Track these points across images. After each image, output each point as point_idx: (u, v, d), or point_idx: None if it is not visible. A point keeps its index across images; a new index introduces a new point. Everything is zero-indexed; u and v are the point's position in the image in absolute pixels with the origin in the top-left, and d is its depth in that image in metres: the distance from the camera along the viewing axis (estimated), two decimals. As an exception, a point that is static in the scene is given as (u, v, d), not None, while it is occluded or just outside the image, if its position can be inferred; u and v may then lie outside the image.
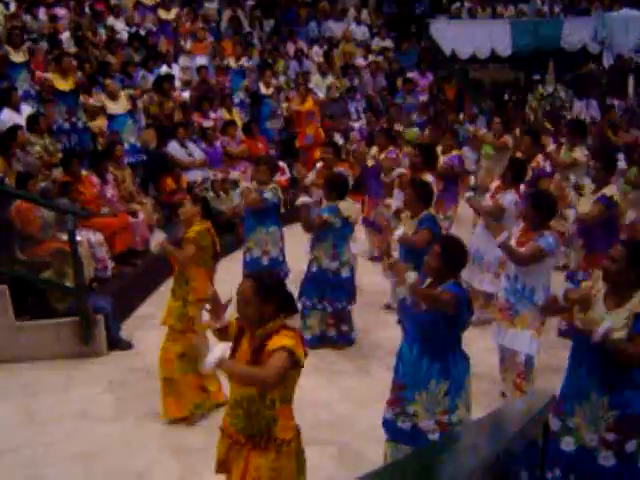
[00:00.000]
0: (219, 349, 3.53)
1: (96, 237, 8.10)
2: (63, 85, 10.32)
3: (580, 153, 8.59)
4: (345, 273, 7.23)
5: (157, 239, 5.64)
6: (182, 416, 5.96)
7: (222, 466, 3.97)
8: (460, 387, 4.65)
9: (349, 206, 7.14)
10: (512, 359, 6.02)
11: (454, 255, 4.68)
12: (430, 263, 4.65)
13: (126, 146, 10.51)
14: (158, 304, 6.15)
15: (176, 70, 13.04)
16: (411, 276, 4.62)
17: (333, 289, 7.23)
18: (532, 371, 6.00)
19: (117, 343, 7.39)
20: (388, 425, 4.80)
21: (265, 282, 3.78)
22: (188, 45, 14.16)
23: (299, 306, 6.81)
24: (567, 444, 4.32)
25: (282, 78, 14.31)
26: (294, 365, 3.65)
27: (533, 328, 5.81)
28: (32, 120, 9.34)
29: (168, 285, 6.14)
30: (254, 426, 3.76)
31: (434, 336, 4.60)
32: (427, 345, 4.62)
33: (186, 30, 14.56)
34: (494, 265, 7.27)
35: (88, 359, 7.16)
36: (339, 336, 7.41)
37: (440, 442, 2.29)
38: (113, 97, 10.69)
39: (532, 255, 5.69)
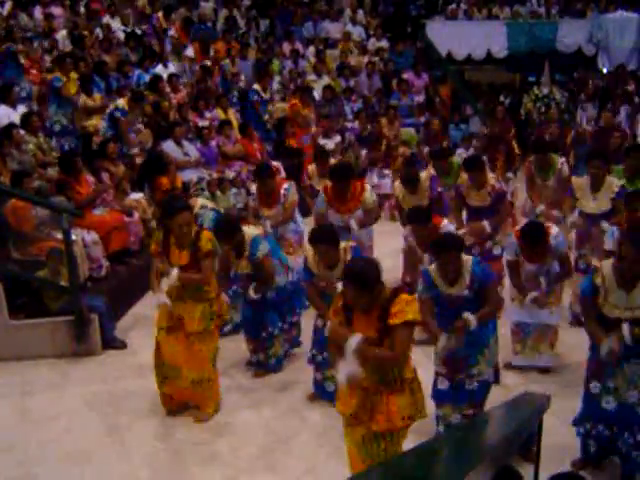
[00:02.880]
0: (357, 338, 3.96)
1: (91, 236, 8.07)
2: (73, 89, 10.37)
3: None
4: (292, 277, 6.78)
5: (158, 299, 5.73)
6: (209, 414, 6.01)
7: (354, 418, 4.34)
8: None
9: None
10: (544, 333, 6.54)
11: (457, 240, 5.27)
12: (452, 267, 5.04)
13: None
14: (153, 304, 6.12)
15: (172, 70, 13.02)
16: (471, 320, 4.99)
17: (289, 303, 6.78)
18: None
19: (111, 342, 7.39)
20: (448, 394, 5.19)
21: (359, 279, 4.06)
22: (188, 48, 14.15)
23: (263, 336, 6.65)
24: (607, 402, 4.83)
25: (277, 78, 14.31)
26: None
27: (558, 302, 6.57)
28: (25, 119, 9.33)
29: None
30: (389, 375, 4.19)
31: (482, 305, 5.10)
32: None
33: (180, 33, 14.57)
34: None
35: (82, 358, 7.16)
36: (290, 344, 7.04)
37: (436, 441, 2.30)
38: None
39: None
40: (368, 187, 7.76)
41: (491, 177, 7.68)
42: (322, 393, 6.17)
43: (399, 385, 4.20)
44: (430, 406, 4.97)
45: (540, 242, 6.05)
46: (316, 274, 5.90)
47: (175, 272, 5.64)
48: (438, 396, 5.27)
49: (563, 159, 8.51)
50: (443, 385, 5.22)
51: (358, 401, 4.24)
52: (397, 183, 8.25)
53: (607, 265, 4.77)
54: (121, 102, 10.49)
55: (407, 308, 4.04)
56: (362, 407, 4.24)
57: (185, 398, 6.09)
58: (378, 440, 4.26)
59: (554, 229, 6.24)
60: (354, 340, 3.96)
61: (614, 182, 7.28)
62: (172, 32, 14.50)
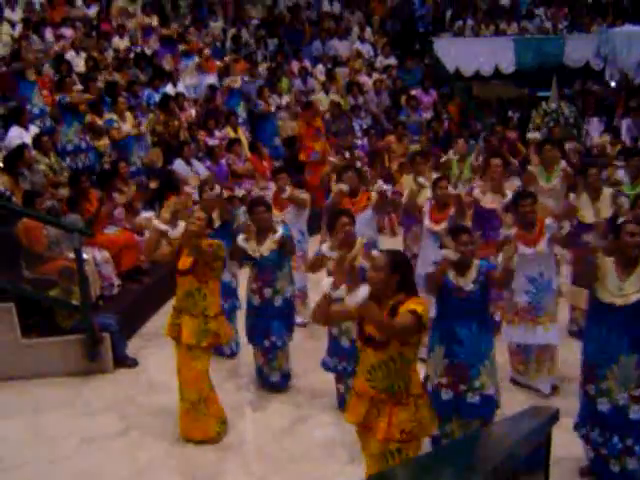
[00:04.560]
0: (364, 289, 3.95)
1: (101, 254, 8.13)
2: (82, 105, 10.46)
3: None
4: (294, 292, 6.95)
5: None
6: (213, 436, 5.93)
7: (361, 427, 4.35)
8: None
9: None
10: (545, 352, 6.58)
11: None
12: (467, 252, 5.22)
13: (133, 168, 10.62)
14: (164, 322, 6.18)
15: (182, 88, 13.13)
16: None
17: (290, 317, 6.81)
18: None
19: (123, 360, 7.42)
20: (452, 405, 5.20)
21: (395, 258, 4.26)
22: (196, 62, 14.27)
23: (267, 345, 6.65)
24: (602, 404, 4.90)
25: (286, 97, 14.38)
26: (420, 328, 4.13)
27: (555, 320, 6.59)
28: (37, 139, 9.43)
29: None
30: (394, 384, 4.17)
31: (484, 309, 5.32)
32: (481, 319, 5.24)
33: (193, 48, 14.68)
34: None
35: (94, 376, 7.19)
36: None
37: (441, 452, 2.31)
38: (122, 116, 10.80)
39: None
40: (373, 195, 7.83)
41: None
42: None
43: (404, 398, 4.19)
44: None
45: (532, 198, 6.45)
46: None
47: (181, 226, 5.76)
48: (441, 409, 5.17)
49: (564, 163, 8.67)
50: (447, 396, 5.22)
51: (365, 410, 4.26)
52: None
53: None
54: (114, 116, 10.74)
55: (416, 304, 4.13)
56: (369, 415, 4.25)
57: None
58: (387, 457, 4.22)
59: (548, 219, 6.53)
60: (363, 291, 3.95)
61: (611, 192, 7.46)
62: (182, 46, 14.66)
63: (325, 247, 6.08)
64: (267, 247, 6.60)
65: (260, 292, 6.64)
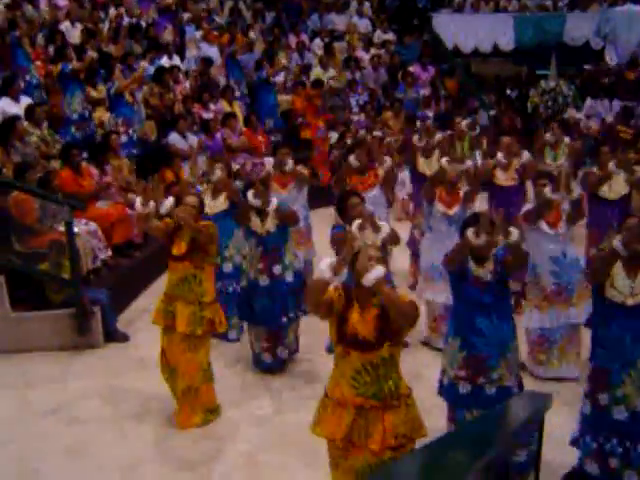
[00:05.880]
0: (380, 270, 3.79)
1: (89, 227, 8.00)
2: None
3: None
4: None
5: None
6: (197, 423, 5.81)
7: (348, 442, 4.01)
8: None
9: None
10: (575, 334, 6.47)
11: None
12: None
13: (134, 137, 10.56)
14: (155, 297, 6.12)
15: (177, 61, 13.00)
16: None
17: (301, 293, 6.54)
18: None
19: (113, 335, 7.39)
20: (470, 398, 4.95)
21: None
22: (197, 34, 14.13)
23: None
24: (619, 412, 4.60)
25: (282, 71, 14.24)
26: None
27: (583, 298, 6.33)
28: (29, 111, 9.29)
29: (165, 278, 6.03)
30: (384, 388, 3.95)
31: (506, 299, 5.05)
32: (503, 310, 4.98)
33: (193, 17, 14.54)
34: None
35: (84, 351, 7.17)
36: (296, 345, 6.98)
37: (436, 443, 2.26)
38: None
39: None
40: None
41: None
42: None
43: (395, 401, 3.98)
44: (435, 421, 4.87)
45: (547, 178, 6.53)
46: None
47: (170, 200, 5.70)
48: (459, 402, 5.03)
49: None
50: (465, 389, 4.94)
51: (350, 421, 3.97)
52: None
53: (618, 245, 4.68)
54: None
55: (404, 296, 4.01)
56: (355, 428, 3.96)
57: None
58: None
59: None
60: (379, 271, 3.79)
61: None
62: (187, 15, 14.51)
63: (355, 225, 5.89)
64: (272, 223, 6.52)
65: (269, 271, 6.53)
